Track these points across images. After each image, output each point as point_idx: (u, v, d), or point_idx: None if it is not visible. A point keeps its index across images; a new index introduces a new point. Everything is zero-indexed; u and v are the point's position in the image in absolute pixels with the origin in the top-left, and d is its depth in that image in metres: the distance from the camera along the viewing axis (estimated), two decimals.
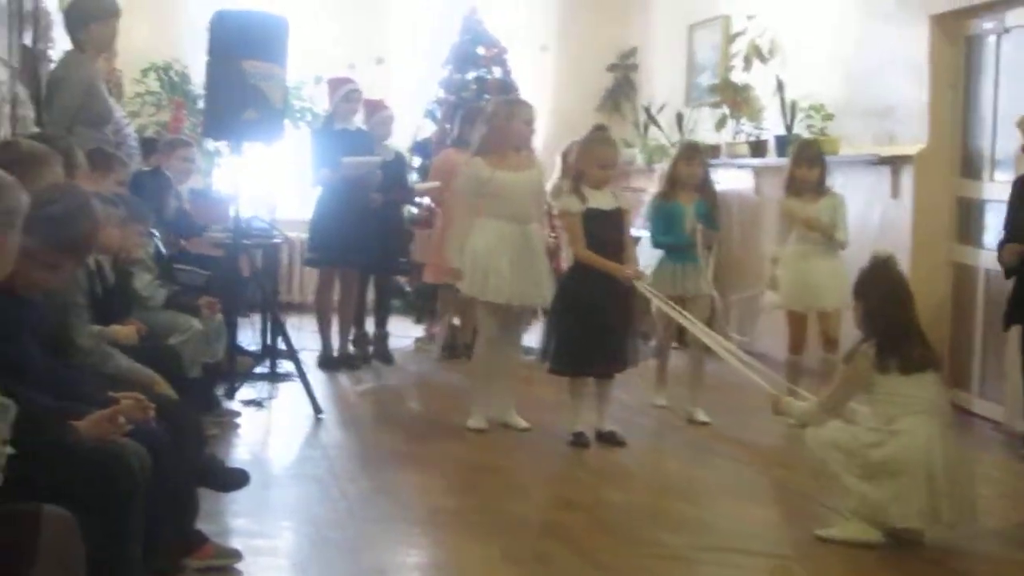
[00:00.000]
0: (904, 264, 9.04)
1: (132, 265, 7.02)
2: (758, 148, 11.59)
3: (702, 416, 8.50)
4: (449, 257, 8.20)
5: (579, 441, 7.75)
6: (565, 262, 8.70)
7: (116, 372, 5.44)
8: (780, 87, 11.16)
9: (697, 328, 7.64)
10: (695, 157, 8.77)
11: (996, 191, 8.85)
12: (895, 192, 9.61)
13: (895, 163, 9.59)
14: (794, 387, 6.83)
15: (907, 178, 9.51)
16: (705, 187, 8.79)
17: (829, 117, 10.55)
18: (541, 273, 8.06)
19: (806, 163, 8.59)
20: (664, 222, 8.77)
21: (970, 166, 9.27)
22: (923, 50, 9.46)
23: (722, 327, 9.12)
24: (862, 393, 5.88)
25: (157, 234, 7.99)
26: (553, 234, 10.45)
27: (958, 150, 9.37)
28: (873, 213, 9.85)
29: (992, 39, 9.06)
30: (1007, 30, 8.87)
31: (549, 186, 10.75)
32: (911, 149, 9.46)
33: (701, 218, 8.62)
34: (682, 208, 8.65)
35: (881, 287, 5.88)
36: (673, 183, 8.76)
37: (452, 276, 8.34)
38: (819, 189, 8.60)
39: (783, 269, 8.67)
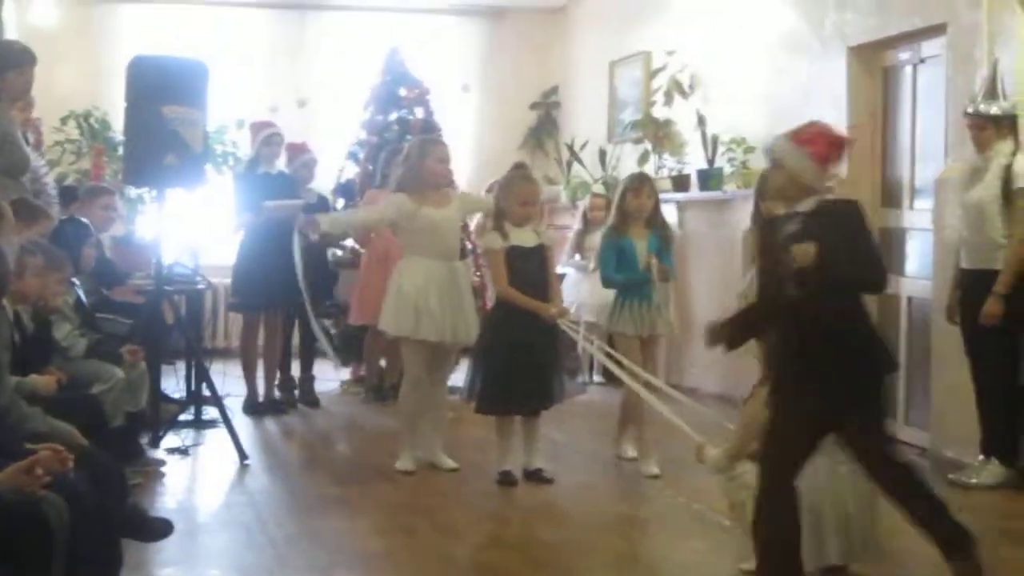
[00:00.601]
0: None
1: (52, 314, 6.94)
2: (681, 183, 11.64)
3: (652, 469, 8.05)
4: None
5: (506, 480, 7.72)
6: (491, 300, 8.67)
7: (34, 431, 5.35)
8: (701, 121, 11.25)
9: (623, 370, 7.52)
10: (643, 188, 8.33)
11: (916, 220, 8.93)
12: None
13: None
14: (729, 425, 6.75)
15: None
16: (656, 219, 8.36)
17: (751, 150, 10.61)
18: (468, 310, 8.06)
19: None
20: (615, 258, 8.30)
21: (890, 195, 9.35)
22: (841, 81, 9.56)
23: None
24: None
25: (78, 283, 7.91)
26: (478, 272, 10.46)
27: (878, 180, 9.45)
28: None
29: (909, 69, 9.17)
30: (923, 60, 8.98)
31: (473, 223, 10.79)
32: (831, 181, 9.51)
33: (655, 252, 8.19)
34: (633, 243, 8.21)
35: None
36: (623, 216, 8.28)
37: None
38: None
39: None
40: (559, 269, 11.64)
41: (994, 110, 7.45)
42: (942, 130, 8.56)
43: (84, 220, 9.05)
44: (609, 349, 7.89)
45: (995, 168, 7.40)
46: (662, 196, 11.82)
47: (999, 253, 7.38)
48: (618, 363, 7.48)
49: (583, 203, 12.32)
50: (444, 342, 7.97)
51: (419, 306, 7.88)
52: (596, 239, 11.85)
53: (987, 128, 7.47)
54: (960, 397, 7.90)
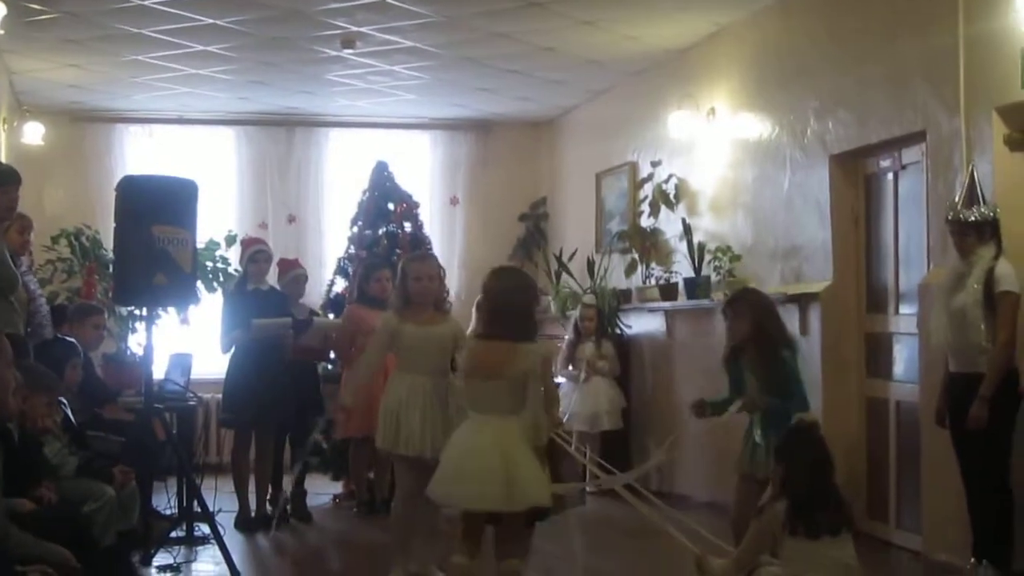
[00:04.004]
0: (816, 399, 9.19)
1: (42, 435, 6.96)
2: (668, 292, 11.70)
3: None
4: (342, 394, 8.13)
5: None
6: None
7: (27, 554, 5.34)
8: (687, 231, 11.33)
9: (621, 485, 7.42)
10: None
11: (902, 324, 8.99)
12: (804, 329, 9.72)
13: (802, 301, 9.71)
14: (719, 542, 6.70)
15: (815, 315, 9.63)
16: None
17: (736, 258, 10.68)
18: (453, 426, 8.01)
19: None
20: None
21: (875, 300, 9.42)
22: (824, 190, 9.65)
23: None
24: (771, 549, 5.85)
25: (65, 401, 7.92)
26: None
27: (863, 285, 9.53)
28: None
29: (890, 176, 9.27)
30: (904, 167, 9.09)
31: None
32: (817, 287, 9.60)
33: None
34: None
35: (802, 455, 5.86)
36: None
37: (341, 412, 8.27)
38: None
39: None
40: (555, 379, 11.69)
41: (973, 217, 7.52)
42: (924, 235, 8.64)
43: (71, 339, 9.08)
44: (601, 460, 7.84)
45: (977, 273, 7.45)
46: (651, 305, 11.96)
47: (984, 357, 7.42)
48: (613, 474, 7.44)
49: (575, 314, 12.38)
50: (424, 457, 7.90)
51: (401, 420, 7.86)
52: (588, 349, 11.94)
53: (968, 234, 7.53)
54: (951, 500, 7.91)
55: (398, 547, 8.09)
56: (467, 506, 6.90)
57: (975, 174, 7.64)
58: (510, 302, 6.85)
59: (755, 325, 7.26)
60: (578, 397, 11.85)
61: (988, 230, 7.52)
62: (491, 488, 6.56)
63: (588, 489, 11.07)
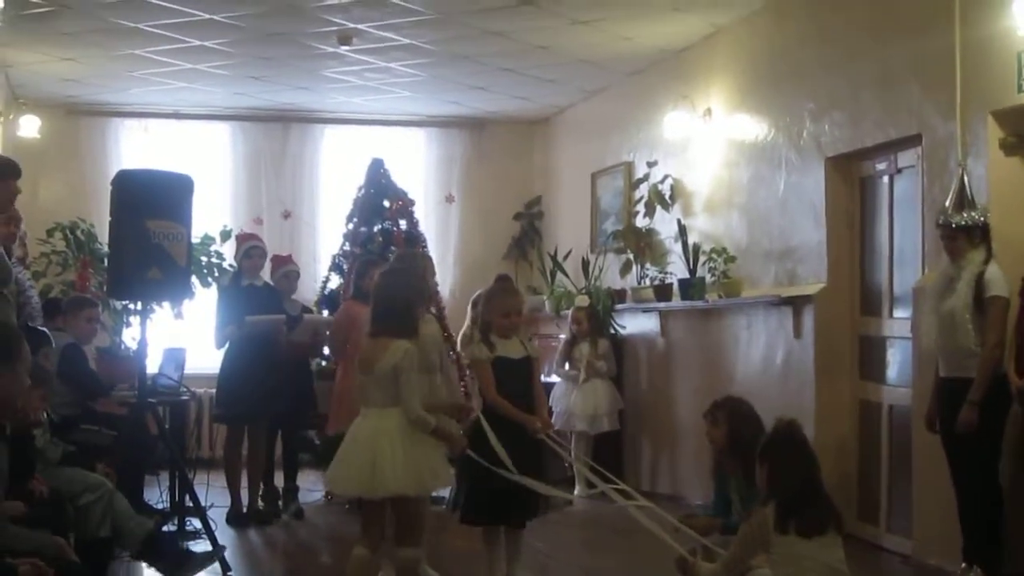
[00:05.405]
0: (809, 402, 9.23)
1: (34, 428, 6.95)
2: (663, 292, 11.69)
3: None
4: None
5: None
6: (475, 411, 8.62)
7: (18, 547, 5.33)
8: (682, 231, 11.33)
9: (606, 484, 7.39)
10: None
11: (896, 327, 8.99)
12: (798, 332, 9.73)
13: (796, 303, 9.72)
14: (707, 543, 6.64)
15: (809, 317, 9.63)
16: None
17: (731, 259, 10.68)
18: (446, 424, 7.99)
19: None
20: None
21: (869, 303, 9.42)
22: (819, 192, 9.65)
23: None
24: (762, 552, 5.82)
25: None
26: (463, 382, 10.46)
27: (857, 288, 9.53)
28: (776, 353, 9.96)
29: (885, 179, 9.27)
30: (899, 170, 9.09)
31: (459, 335, 10.82)
32: (811, 289, 9.60)
33: None
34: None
35: (785, 451, 5.85)
36: None
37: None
38: None
39: None
40: (549, 378, 11.69)
41: (963, 221, 7.52)
42: (919, 239, 8.64)
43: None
44: (596, 465, 7.80)
45: (967, 277, 7.46)
46: (645, 305, 11.95)
47: (973, 361, 7.43)
48: (603, 476, 7.40)
49: (568, 314, 12.38)
50: None
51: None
52: (585, 349, 11.93)
53: (958, 238, 7.54)
54: (942, 504, 7.91)
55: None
56: (336, 490, 7.69)
57: (965, 178, 7.66)
58: (387, 300, 7.00)
59: (732, 434, 6.87)
60: (577, 398, 11.83)
61: (978, 234, 7.53)
62: (356, 474, 6.81)
63: (578, 493, 11.05)
